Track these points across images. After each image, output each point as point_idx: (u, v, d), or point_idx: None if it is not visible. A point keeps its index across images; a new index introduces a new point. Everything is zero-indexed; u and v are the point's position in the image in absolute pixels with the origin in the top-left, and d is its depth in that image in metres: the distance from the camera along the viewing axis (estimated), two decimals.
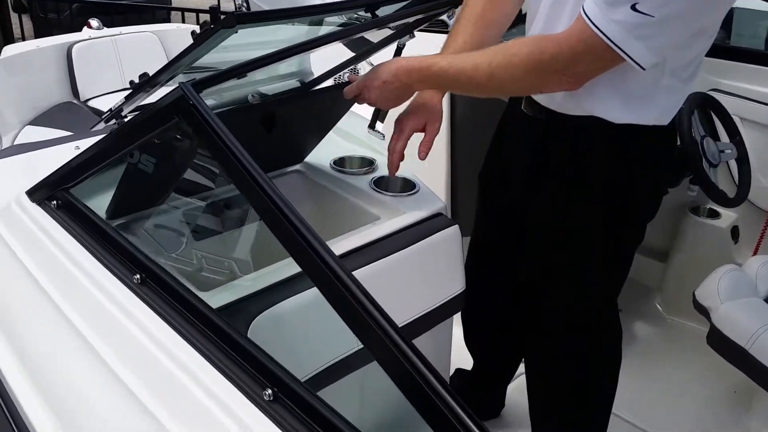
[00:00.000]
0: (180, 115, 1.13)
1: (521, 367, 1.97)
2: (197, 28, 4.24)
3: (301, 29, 1.67)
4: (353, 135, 2.06)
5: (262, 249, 1.53)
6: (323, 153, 1.96)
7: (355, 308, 0.89)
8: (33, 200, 1.51)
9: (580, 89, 1.31)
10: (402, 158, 1.57)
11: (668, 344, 2.49)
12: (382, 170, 1.87)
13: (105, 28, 3.77)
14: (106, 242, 1.27)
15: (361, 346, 0.92)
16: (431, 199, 1.73)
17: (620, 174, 1.42)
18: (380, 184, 1.79)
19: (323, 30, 1.69)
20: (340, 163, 1.93)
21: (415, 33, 1.81)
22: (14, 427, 1.17)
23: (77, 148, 1.93)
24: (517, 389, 2.04)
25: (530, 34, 1.49)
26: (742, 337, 1.83)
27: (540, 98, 1.50)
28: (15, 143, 2.97)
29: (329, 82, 2.04)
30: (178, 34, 3.85)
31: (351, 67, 2.09)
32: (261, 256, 1.49)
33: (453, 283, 1.67)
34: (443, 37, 1.69)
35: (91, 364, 1.11)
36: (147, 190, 1.60)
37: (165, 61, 3.96)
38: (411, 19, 1.68)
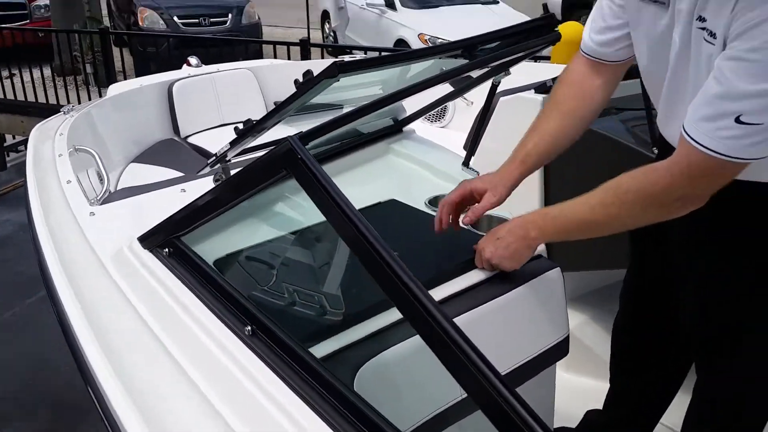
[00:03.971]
0: (288, 168, 1.15)
1: None
2: (292, 67, 4.34)
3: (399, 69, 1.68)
4: (447, 173, 2.05)
5: (355, 287, 1.54)
6: (417, 191, 1.95)
7: (458, 357, 0.91)
8: (145, 246, 1.57)
9: None
10: (450, 214, 1.58)
11: None
12: None
13: (203, 66, 3.91)
14: (217, 292, 1.31)
15: (464, 395, 0.93)
16: None
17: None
18: (476, 224, 1.77)
19: (419, 68, 1.70)
20: (434, 201, 1.92)
21: (511, 70, 1.80)
22: None
23: (183, 191, 2.00)
24: None
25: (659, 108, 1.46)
26: None
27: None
28: (120, 181, 3.11)
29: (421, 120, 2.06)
30: (272, 70, 3.95)
31: (444, 105, 2.09)
32: (351, 294, 1.50)
33: (556, 328, 1.63)
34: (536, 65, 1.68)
35: (206, 416, 1.13)
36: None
37: (260, 97, 4.08)
38: (508, 58, 1.67)
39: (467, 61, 1.61)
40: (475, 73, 1.80)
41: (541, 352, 1.60)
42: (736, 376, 1.52)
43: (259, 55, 7.76)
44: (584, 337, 2.27)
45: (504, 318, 1.52)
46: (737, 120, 1.12)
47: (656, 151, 1.75)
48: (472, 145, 1.94)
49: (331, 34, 11.05)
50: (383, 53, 6.47)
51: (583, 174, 2.29)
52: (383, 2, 9.37)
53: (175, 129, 3.68)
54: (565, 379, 1.90)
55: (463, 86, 1.87)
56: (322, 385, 1.07)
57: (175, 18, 9.04)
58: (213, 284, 1.33)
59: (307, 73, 1.34)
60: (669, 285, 1.65)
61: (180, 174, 2.98)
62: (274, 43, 6.57)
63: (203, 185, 1.96)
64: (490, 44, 1.60)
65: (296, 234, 1.64)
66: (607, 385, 1.93)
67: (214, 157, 1.82)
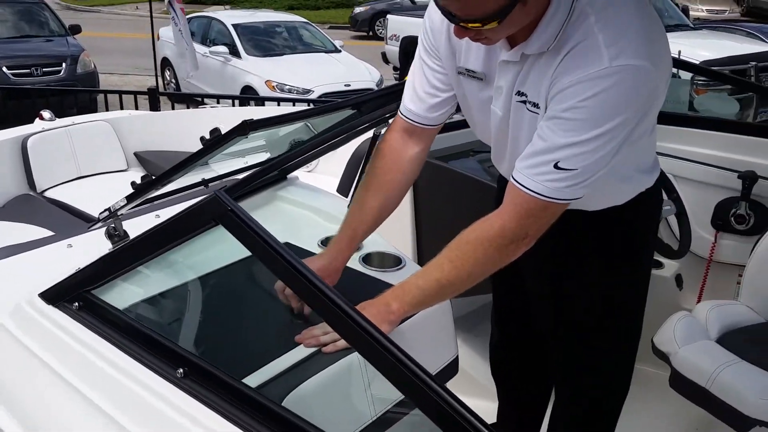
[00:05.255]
0: (219, 220, 1.23)
1: None
2: (150, 117, 4.28)
3: None
4: (334, 215, 2.19)
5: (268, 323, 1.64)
6: (307, 234, 2.07)
7: (393, 364, 1.08)
8: (49, 302, 1.56)
9: None
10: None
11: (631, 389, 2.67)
12: (369, 247, 2.00)
13: (57, 119, 3.80)
14: (141, 340, 1.35)
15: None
16: None
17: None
18: (368, 260, 1.92)
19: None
20: (326, 242, 2.04)
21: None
22: None
23: (70, 246, 1.98)
24: None
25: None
26: (701, 377, 2.02)
27: None
28: None
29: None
30: (131, 121, 3.93)
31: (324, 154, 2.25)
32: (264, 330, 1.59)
33: (446, 351, 1.79)
34: None
35: None
36: None
37: (119, 148, 4.02)
38: (388, 114, 1.87)
39: (353, 112, 1.79)
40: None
41: (434, 374, 1.76)
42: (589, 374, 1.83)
43: (95, 104, 7.53)
44: (467, 356, 2.47)
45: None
46: (555, 166, 1.32)
47: None
48: (355, 189, 2.10)
49: (173, 81, 10.92)
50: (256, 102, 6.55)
51: (449, 210, 2.53)
52: (227, 50, 9.44)
53: (31, 184, 3.55)
54: None
55: (347, 135, 2.03)
56: (260, 411, 1.16)
57: (4, 68, 8.57)
58: (135, 333, 1.37)
59: (215, 131, 1.44)
60: (528, 304, 1.89)
61: (44, 229, 2.90)
62: (120, 93, 6.43)
63: (89, 239, 1.97)
64: (376, 100, 1.77)
65: (211, 275, 1.70)
66: (496, 402, 2.13)
67: (107, 212, 1.84)
